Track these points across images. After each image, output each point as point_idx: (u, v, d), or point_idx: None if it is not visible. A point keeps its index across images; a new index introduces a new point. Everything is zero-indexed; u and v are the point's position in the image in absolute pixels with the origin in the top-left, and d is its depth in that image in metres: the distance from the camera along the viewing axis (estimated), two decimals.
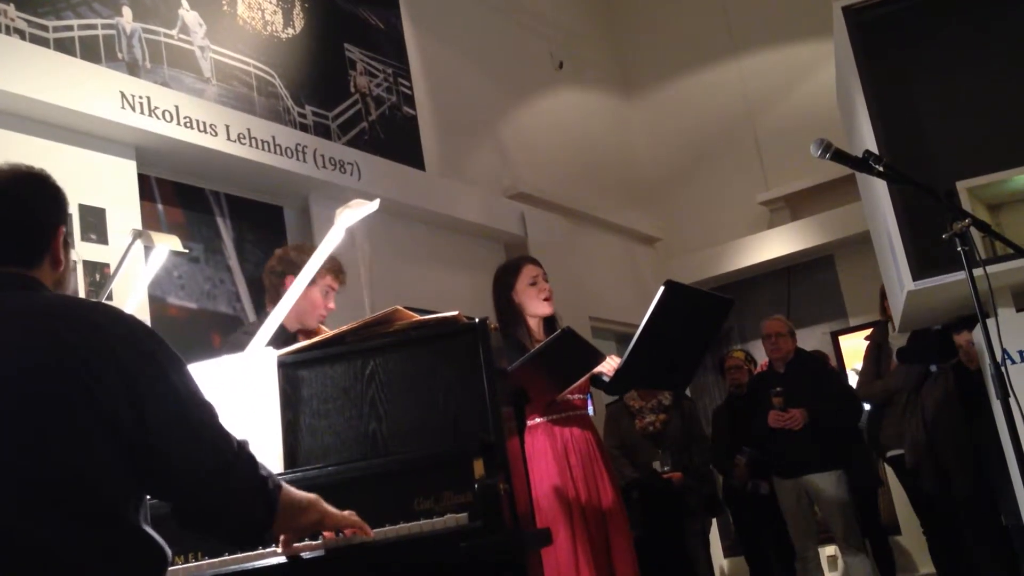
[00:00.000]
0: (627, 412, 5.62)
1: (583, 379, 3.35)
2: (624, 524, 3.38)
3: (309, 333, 3.13)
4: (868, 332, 5.75)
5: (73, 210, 3.92)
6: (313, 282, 3.10)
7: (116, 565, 1.45)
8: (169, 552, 1.56)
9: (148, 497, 1.58)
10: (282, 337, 2.82)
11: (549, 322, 3.49)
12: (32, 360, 1.48)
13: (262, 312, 3.35)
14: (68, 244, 1.70)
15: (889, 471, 5.68)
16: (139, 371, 1.53)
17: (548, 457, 3.29)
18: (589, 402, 5.56)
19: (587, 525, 3.25)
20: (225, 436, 1.61)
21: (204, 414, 1.60)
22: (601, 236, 7.88)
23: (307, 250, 3.25)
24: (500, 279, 3.55)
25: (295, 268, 3.16)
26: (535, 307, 3.46)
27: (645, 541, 5.08)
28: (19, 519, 1.40)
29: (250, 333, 2.96)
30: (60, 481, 1.44)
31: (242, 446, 1.63)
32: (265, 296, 3.37)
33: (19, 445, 1.43)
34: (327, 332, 3.13)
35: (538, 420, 3.36)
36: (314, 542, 1.95)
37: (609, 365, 3.23)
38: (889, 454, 5.09)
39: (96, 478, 1.46)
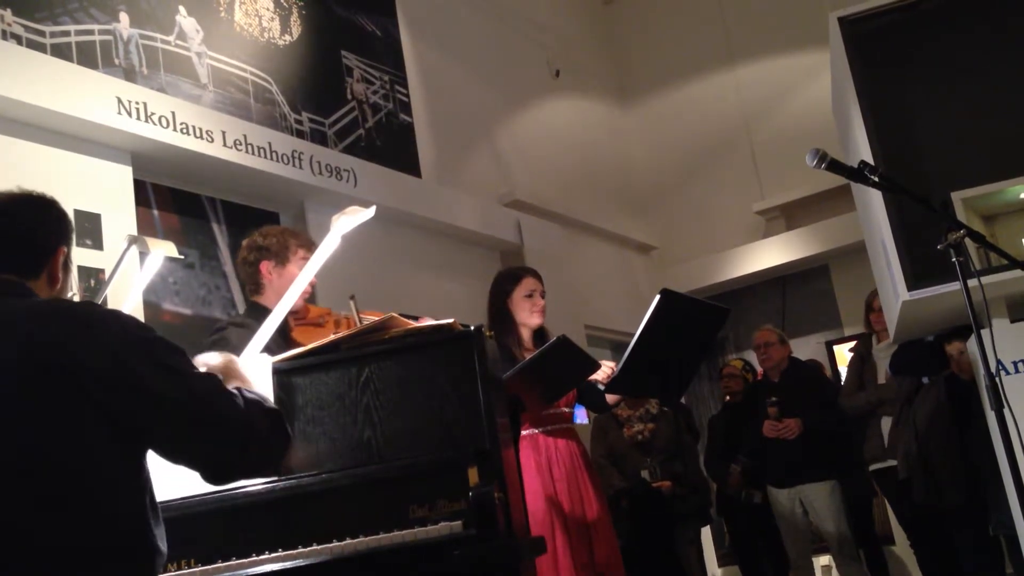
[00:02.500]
0: (615, 421, 5.61)
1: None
2: (609, 536, 3.35)
3: (294, 314, 3.08)
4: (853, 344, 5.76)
5: (68, 215, 3.91)
6: (288, 260, 3.09)
7: (110, 561, 1.46)
8: (164, 551, 1.57)
9: (147, 499, 1.58)
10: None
11: (539, 333, 3.50)
12: (29, 362, 1.49)
13: (249, 301, 3.31)
14: (68, 266, 1.78)
15: None
16: (138, 361, 1.56)
17: (531, 470, 3.28)
18: (584, 412, 5.56)
19: (569, 538, 3.23)
20: (231, 398, 1.67)
21: (210, 387, 1.65)
22: (597, 244, 7.89)
23: (274, 232, 3.23)
24: (498, 285, 3.56)
25: (267, 253, 3.14)
26: (525, 318, 3.47)
27: (635, 550, 5.08)
28: (15, 515, 1.41)
29: (245, 326, 2.92)
30: (57, 479, 1.45)
31: (246, 398, 1.70)
32: (245, 289, 3.34)
33: (17, 444, 1.44)
34: (312, 310, 3.12)
35: (526, 432, 3.35)
36: (307, 549, 1.95)
37: (603, 373, 3.23)
38: (873, 467, 5.06)
39: (92, 475, 1.48)
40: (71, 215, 3.84)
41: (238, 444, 1.65)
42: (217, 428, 1.63)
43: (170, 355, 1.62)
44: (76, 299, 3.75)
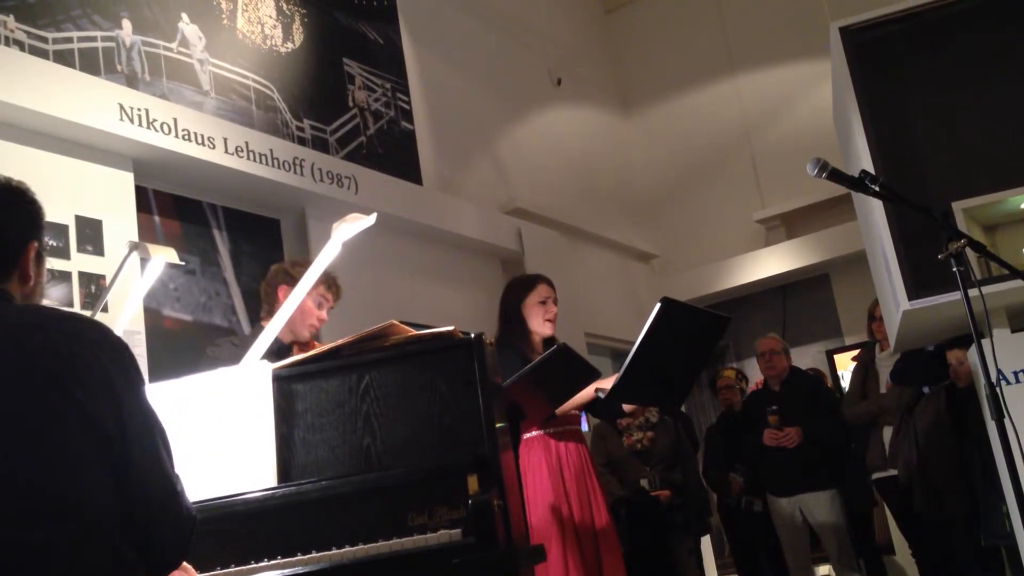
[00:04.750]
0: (614, 429, 5.59)
1: (582, 398, 3.35)
2: (616, 542, 3.37)
3: (303, 346, 3.12)
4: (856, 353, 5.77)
5: (70, 221, 3.92)
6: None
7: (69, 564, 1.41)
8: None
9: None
10: (276, 349, 2.81)
11: (548, 340, 3.51)
12: (23, 368, 1.44)
13: (256, 324, 3.35)
14: (41, 259, 1.64)
15: None
16: (120, 383, 1.50)
17: (543, 472, 3.29)
18: (583, 417, 5.55)
19: (579, 542, 3.24)
20: (172, 463, 1.58)
21: (165, 437, 1.57)
22: (598, 252, 7.89)
23: (305, 264, 3.27)
24: (512, 290, 3.58)
25: (289, 279, 3.17)
26: (537, 325, 3.49)
27: (633, 559, 5.06)
28: (4, 527, 1.37)
29: (239, 345, 2.95)
30: (46, 490, 1.41)
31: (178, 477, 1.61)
32: (261, 308, 3.38)
33: (8, 452, 1.40)
34: (321, 346, 3.14)
35: (535, 433, 3.35)
36: (305, 557, 1.94)
37: (608, 382, 3.23)
38: (875, 476, 5.06)
39: (83, 487, 1.43)
40: (72, 221, 3.88)
41: (166, 498, 1.54)
42: (160, 469, 1.53)
43: (141, 380, 1.56)
44: (77, 306, 3.77)
